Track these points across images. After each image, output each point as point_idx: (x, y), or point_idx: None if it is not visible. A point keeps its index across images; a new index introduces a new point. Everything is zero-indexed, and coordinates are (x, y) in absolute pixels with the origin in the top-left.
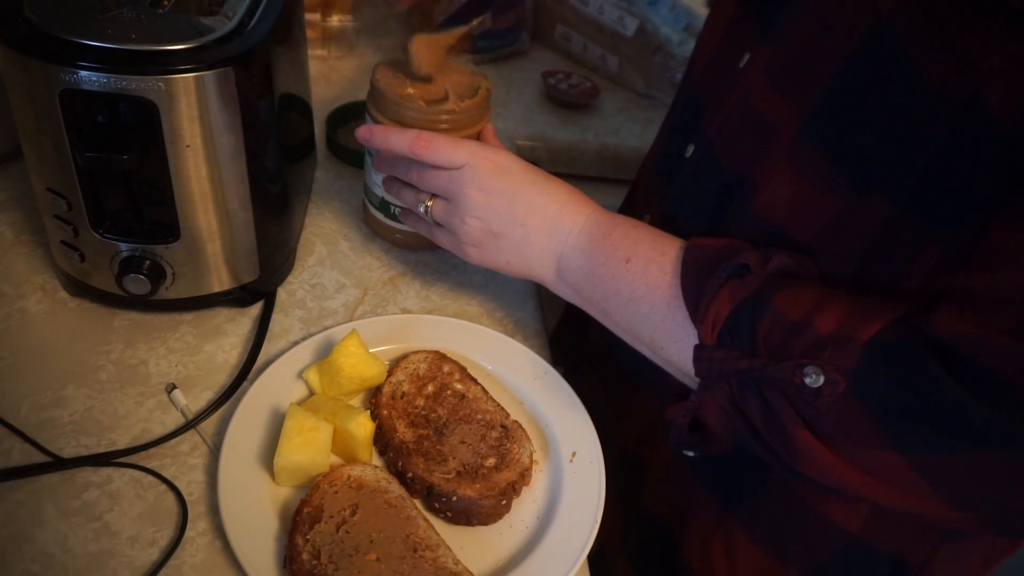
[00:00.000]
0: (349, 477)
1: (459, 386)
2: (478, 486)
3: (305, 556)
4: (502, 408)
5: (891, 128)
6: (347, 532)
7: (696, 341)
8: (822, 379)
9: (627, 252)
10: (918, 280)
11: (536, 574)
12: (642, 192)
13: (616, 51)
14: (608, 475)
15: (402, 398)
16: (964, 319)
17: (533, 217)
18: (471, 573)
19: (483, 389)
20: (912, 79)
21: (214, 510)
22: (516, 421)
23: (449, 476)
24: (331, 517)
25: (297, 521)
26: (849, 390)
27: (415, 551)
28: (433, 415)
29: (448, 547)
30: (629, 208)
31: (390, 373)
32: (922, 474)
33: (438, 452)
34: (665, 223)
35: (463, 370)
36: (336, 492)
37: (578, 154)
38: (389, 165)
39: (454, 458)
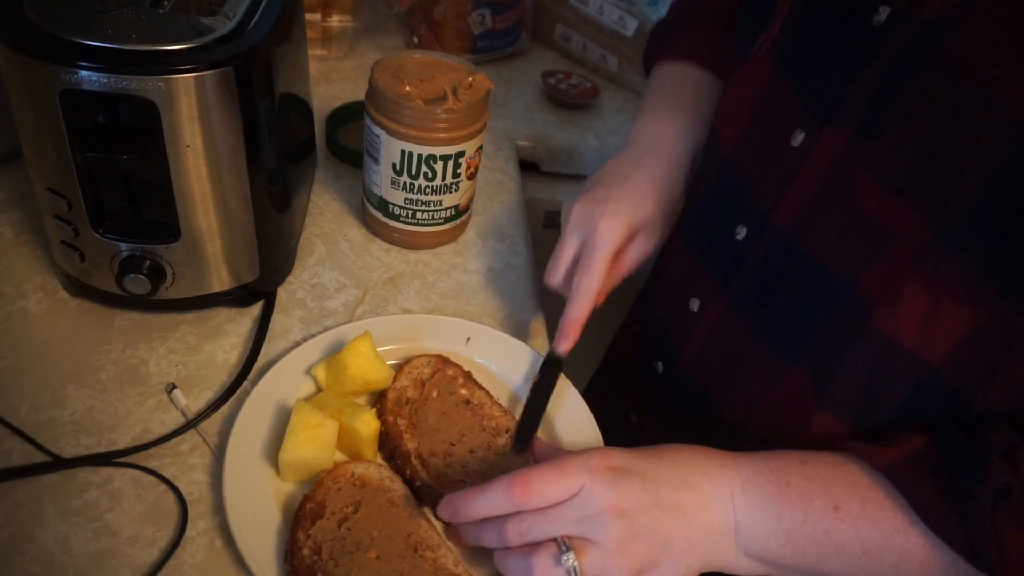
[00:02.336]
0: (353, 475)
1: (464, 391)
2: None
3: (306, 551)
4: (508, 412)
5: None
6: (348, 529)
7: None
8: None
9: (826, 498)
10: None
11: None
12: (678, 273)
13: (616, 51)
14: None
15: (407, 404)
16: None
17: (685, 499)
18: (471, 575)
19: (487, 393)
20: None
21: (214, 510)
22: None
23: (458, 486)
24: (333, 514)
25: (299, 516)
26: None
27: (416, 551)
28: (440, 423)
29: (450, 548)
30: (664, 289)
31: (394, 379)
32: None
33: (446, 461)
34: (736, 313)
35: (467, 375)
36: (339, 489)
37: (578, 154)
38: (473, 534)
39: (463, 467)
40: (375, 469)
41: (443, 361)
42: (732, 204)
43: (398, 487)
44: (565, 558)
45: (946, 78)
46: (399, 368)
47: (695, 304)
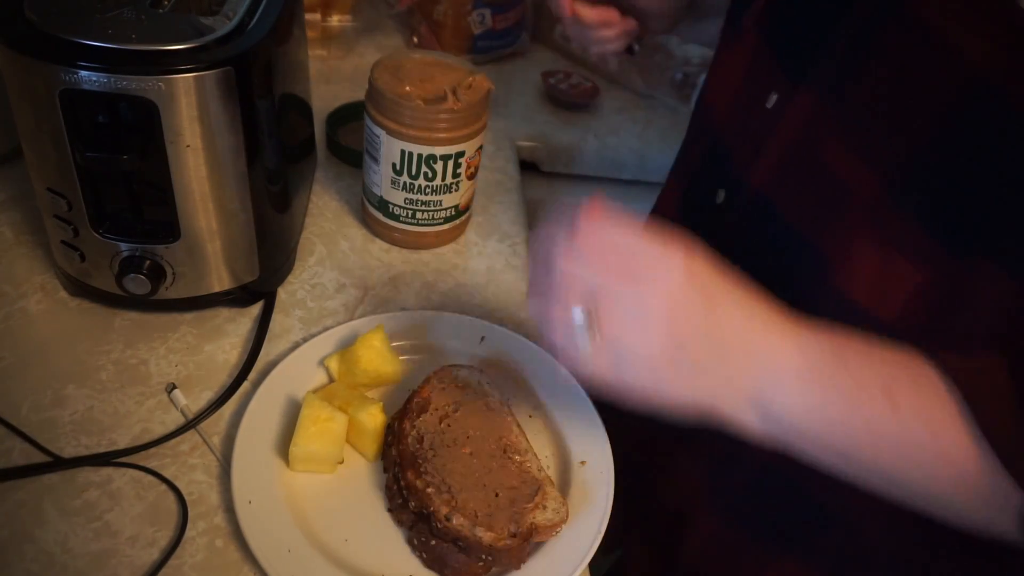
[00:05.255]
0: (456, 376)
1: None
2: (493, 533)
3: (410, 440)
4: (535, 456)
5: (1001, 187)
6: (448, 425)
7: None
8: None
9: (884, 384)
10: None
11: (537, 575)
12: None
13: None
14: (646, 531)
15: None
16: None
17: (733, 335)
18: (551, 480)
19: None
20: (1019, 128)
21: (214, 510)
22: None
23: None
24: (436, 410)
25: (408, 408)
26: None
27: (505, 452)
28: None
29: (536, 455)
30: None
31: (420, 389)
32: None
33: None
34: None
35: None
36: (444, 388)
37: (578, 154)
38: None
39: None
40: (476, 374)
41: (477, 371)
42: (714, 169)
43: (496, 394)
44: (577, 313)
45: (902, 37)
46: (426, 378)
47: None
